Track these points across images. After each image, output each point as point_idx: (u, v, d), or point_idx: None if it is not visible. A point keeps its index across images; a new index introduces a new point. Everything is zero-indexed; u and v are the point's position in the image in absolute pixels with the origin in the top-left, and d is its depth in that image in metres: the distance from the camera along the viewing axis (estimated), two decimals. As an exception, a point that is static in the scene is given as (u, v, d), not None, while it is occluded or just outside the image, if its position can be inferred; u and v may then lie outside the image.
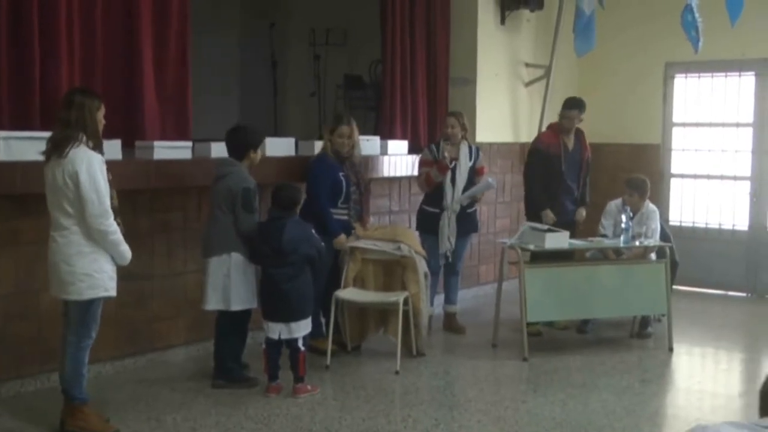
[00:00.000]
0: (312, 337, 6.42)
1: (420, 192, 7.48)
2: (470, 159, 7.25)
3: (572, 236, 7.05)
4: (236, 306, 5.72)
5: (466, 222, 7.29)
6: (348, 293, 6.39)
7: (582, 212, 7.66)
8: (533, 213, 7.53)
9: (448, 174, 7.12)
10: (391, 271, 6.56)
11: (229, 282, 5.68)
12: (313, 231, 5.85)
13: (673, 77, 9.81)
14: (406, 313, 6.35)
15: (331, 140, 6.50)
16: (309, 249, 5.71)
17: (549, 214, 7.41)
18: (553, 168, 7.47)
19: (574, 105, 7.64)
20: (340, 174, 6.47)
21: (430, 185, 7.17)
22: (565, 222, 7.32)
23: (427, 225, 7.08)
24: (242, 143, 5.84)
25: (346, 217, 6.53)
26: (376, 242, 6.52)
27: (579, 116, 7.55)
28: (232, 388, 5.77)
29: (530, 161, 7.72)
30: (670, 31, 9.06)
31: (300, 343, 5.67)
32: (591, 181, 7.87)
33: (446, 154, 7.07)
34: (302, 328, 5.69)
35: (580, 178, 7.60)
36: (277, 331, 5.65)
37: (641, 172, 8.02)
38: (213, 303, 5.75)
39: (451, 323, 7.44)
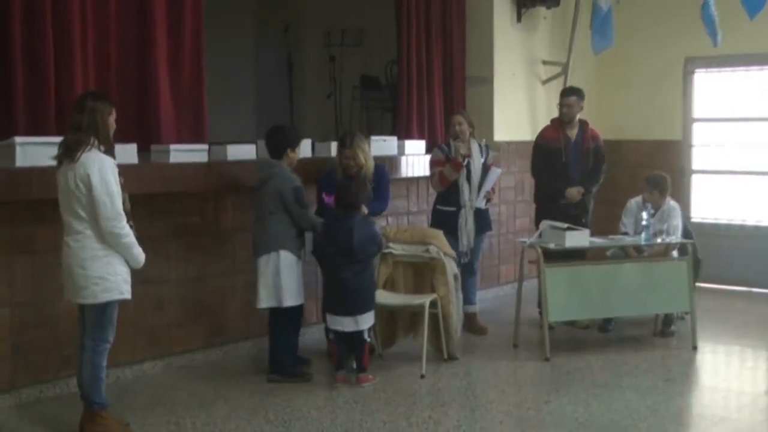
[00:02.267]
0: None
1: (435, 191, 7.44)
2: (482, 155, 7.22)
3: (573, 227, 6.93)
4: (288, 302, 5.89)
5: (480, 220, 7.25)
6: (377, 296, 6.35)
7: (573, 191, 7.38)
8: (548, 206, 7.41)
9: (463, 171, 7.08)
10: (421, 273, 6.53)
11: (279, 279, 5.85)
12: (376, 228, 6.20)
13: (693, 72, 9.71)
14: (435, 316, 6.32)
15: (339, 157, 6.49)
16: (374, 247, 6.02)
17: (572, 191, 7.33)
18: (555, 162, 7.41)
19: (571, 92, 7.59)
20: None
21: (444, 184, 7.14)
22: (571, 217, 7.21)
23: (444, 224, 7.02)
24: (281, 142, 6.00)
25: None
26: (405, 245, 6.49)
27: (578, 103, 7.47)
28: (286, 382, 5.90)
29: (533, 157, 7.69)
30: (690, 25, 8.99)
31: (366, 335, 5.93)
32: (610, 178, 7.77)
33: (462, 152, 7.03)
34: (367, 320, 5.93)
35: (585, 170, 7.49)
36: (344, 324, 5.87)
37: (662, 168, 7.94)
38: (265, 301, 5.91)
39: (471, 324, 7.39)
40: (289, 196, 5.83)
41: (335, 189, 6.15)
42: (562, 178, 7.39)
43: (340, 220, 5.92)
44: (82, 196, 4.68)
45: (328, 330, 6.04)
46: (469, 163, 7.12)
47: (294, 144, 6.05)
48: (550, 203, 7.43)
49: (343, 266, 5.85)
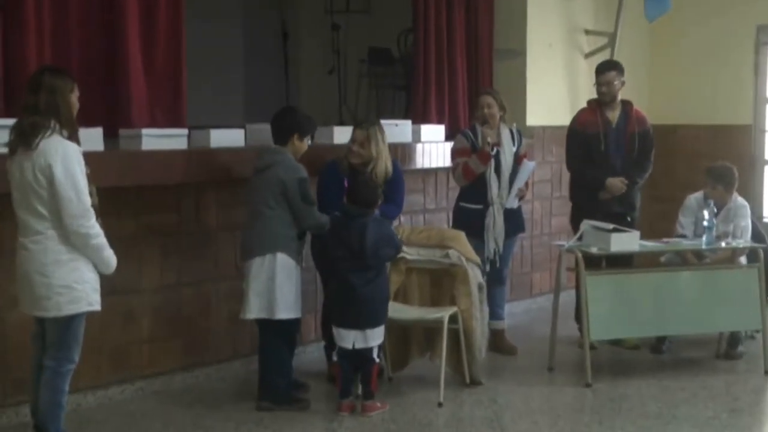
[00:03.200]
0: (332, 360, 6.45)
1: (457, 186, 7.45)
2: (513, 143, 7.21)
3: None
4: (282, 314, 5.88)
5: (512, 220, 7.24)
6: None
7: (615, 181, 7.36)
8: (586, 203, 7.40)
9: (491, 163, 7.07)
10: (440, 283, 6.53)
11: (274, 286, 5.84)
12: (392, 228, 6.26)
13: (767, 44, 9.70)
14: (455, 333, 6.32)
15: (346, 150, 6.49)
16: (390, 249, 6.04)
17: (614, 181, 7.33)
18: (593, 151, 7.39)
19: (609, 66, 7.56)
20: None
21: (469, 178, 7.13)
22: (614, 215, 7.21)
23: (468, 225, 7.02)
24: (288, 126, 6.03)
25: None
26: (420, 249, 6.49)
27: (619, 79, 7.44)
28: (279, 410, 5.91)
29: (567, 146, 7.69)
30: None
31: (375, 353, 5.93)
32: (665, 170, 7.76)
33: (489, 140, 7.02)
34: (377, 335, 5.94)
35: (629, 159, 7.47)
36: (351, 339, 5.86)
37: (727, 158, 7.92)
38: (255, 311, 5.90)
39: (498, 342, 7.40)
40: (293, 188, 5.81)
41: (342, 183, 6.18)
42: (602, 169, 7.38)
43: (351, 217, 5.93)
44: (43, 189, 4.69)
45: (329, 349, 6.05)
46: (498, 153, 7.12)
47: (304, 131, 6.05)
48: (588, 199, 7.42)
49: (353, 272, 5.86)
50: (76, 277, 4.79)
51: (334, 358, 6.06)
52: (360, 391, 6.00)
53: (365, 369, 5.95)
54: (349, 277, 5.86)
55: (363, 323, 5.87)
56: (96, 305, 4.91)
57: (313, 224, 5.97)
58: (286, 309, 5.89)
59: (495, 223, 7.15)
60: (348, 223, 5.92)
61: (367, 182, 6.11)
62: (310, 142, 6.19)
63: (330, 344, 6.36)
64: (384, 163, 6.38)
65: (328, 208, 6.22)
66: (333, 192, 6.31)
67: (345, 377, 5.97)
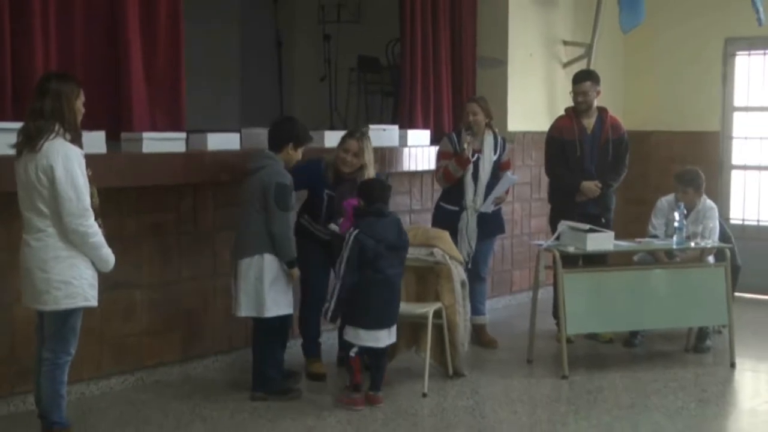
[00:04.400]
0: (310, 357, 6.44)
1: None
2: (495, 152, 7.20)
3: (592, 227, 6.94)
4: (271, 312, 5.85)
5: (490, 222, 7.24)
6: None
7: (590, 185, 7.36)
8: (563, 205, 7.42)
9: (470, 168, 7.07)
10: (425, 279, 6.53)
11: (262, 286, 5.81)
12: None
13: (734, 55, 9.72)
14: (439, 328, 6.34)
15: (335, 156, 6.38)
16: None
17: (588, 184, 7.33)
18: (569, 156, 7.41)
19: (584, 77, 7.58)
20: (325, 191, 6.33)
21: (449, 180, 7.14)
22: (590, 216, 7.22)
23: (445, 224, 7.01)
24: (285, 134, 5.99)
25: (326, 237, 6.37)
26: None
27: (594, 89, 7.46)
28: (273, 400, 5.90)
29: (546, 151, 7.71)
30: (731, 1, 8.98)
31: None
32: (638, 174, 7.77)
33: (465, 146, 7.01)
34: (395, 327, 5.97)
35: (604, 164, 7.48)
36: (385, 338, 5.86)
37: (697, 163, 7.96)
38: (245, 310, 5.89)
39: (480, 336, 7.41)
40: (271, 191, 5.76)
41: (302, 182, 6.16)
42: (578, 173, 7.40)
43: (381, 215, 5.90)
44: (45, 189, 4.69)
45: (346, 343, 5.94)
46: (478, 159, 7.11)
47: (299, 141, 6.00)
48: (566, 201, 7.44)
49: (393, 267, 5.87)
50: (74, 273, 4.79)
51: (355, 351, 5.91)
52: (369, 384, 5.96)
53: (382, 362, 5.96)
54: (389, 274, 5.84)
55: (392, 320, 5.89)
56: (93, 301, 4.90)
57: (278, 231, 5.79)
58: (275, 307, 5.86)
59: (468, 226, 7.13)
60: (380, 221, 5.88)
61: (380, 181, 6.14)
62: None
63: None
64: (370, 171, 6.35)
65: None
66: (304, 178, 6.23)
67: (375, 374, 5.94)
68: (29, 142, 4.71)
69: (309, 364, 6.48)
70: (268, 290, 5.82)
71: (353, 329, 5.85)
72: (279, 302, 5.88)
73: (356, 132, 6.43)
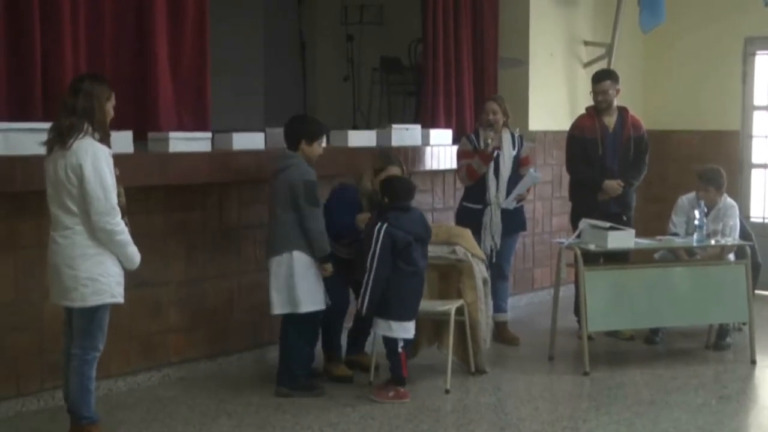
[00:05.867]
0: (332, 362, 6.41)
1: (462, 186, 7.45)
2: (514, 147, 7.20)
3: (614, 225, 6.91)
4: (306, 308, 5.86)
5: (512, 219, 7.23)
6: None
7: (612, 183, 7.32)
8: (585, 203, 7.38)
9: (491, 165, 7.06)
10: (447, 277, 6.51)
11: (294, 282, 5.82)
12: None
13: (753, 54, 9.66)
14: (461, 325, 6.32)
15: (373, 182, 6.30)
16: None
17: (611, 183, 7.29)
18: (591, 155, 7.37)
19: (604, 76, 7.54)
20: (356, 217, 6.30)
21: (473, 177, 7.13)
22: (611, 215, 7.18)
23: (469, 223, 7.00)
24: (294, 133, 6.00)
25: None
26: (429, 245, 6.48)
27: (614, 87, 7.42)
28: (297, 396, 5.91)
29: (567, 150, 7.67)
30: (750, 1, 8.91)
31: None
32: (659, 173, 7.72)
33: (489, 142, 7.01)
34: None
35: (626, 162, 7.44)
36: (413, 330, 5.96)
37: (717, 162, 7.90)
38: (279, 307, 5.90)
39: (501, 333, 7.38)
40: (299, 189, 5.79)
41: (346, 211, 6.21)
42: (599, 172, 7.36)
43: (407, 210, 5.95)
44: (73, 187, 4.71)
45: (388, 339, 5.93)
46: (498, 155, 7.10)
47: (309, 137, 5.98)
48: (587, 200, 7.40)
49: (422, 258, 5.94)
50: (101, 270, 4.80)
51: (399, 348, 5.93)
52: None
53: (395, 357, 5.96)
54: (422, 266, 5.95)
55: (417, 311, 5.98)
56: (119, 297, 4.91)
57: (313, 227, 5.83)
58: (310, 302, 5.87)
59: (492, 222, 7.13)
60: (406, 214, 5.92)
61: (405, 180, 6.17)
62: (323, 144, 6.16)
63: (359, 333, 6.48)
64: None
65: (342, 229, 6.14)
66: (346, 205, 6.28)
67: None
68: (60, 138, 4.73)
69: (332, 368, 6.37)
70: (300, 286, 5.83)
71: (384, 321, 5.87)
72: (314, 297, 5.89)
73: (392, 157, 6.40)
